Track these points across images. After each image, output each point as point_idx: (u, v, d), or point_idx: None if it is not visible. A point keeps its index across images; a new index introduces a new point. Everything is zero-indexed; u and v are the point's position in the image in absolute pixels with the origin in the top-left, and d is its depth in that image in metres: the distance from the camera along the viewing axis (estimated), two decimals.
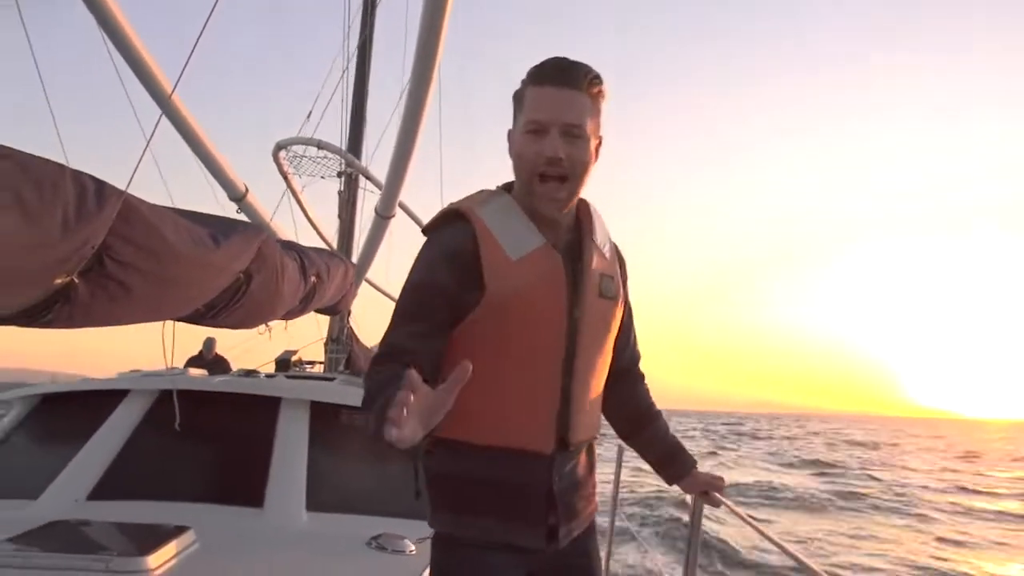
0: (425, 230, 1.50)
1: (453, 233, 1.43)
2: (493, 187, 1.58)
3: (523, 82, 1.47)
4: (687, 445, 1.91)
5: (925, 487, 23.29)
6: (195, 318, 2.27)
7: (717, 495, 1.87)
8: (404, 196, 4.82)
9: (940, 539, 14.30)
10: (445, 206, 1.51)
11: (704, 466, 1.91)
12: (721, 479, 1.91)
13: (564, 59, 1.44)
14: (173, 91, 2.91)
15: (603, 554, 2.70)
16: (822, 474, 25.37)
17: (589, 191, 1.57)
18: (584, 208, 1.57)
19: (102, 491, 2.86)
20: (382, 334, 1.47)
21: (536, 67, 1.44)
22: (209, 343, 8.52)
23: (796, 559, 1.44)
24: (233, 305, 2.25)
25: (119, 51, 2.89)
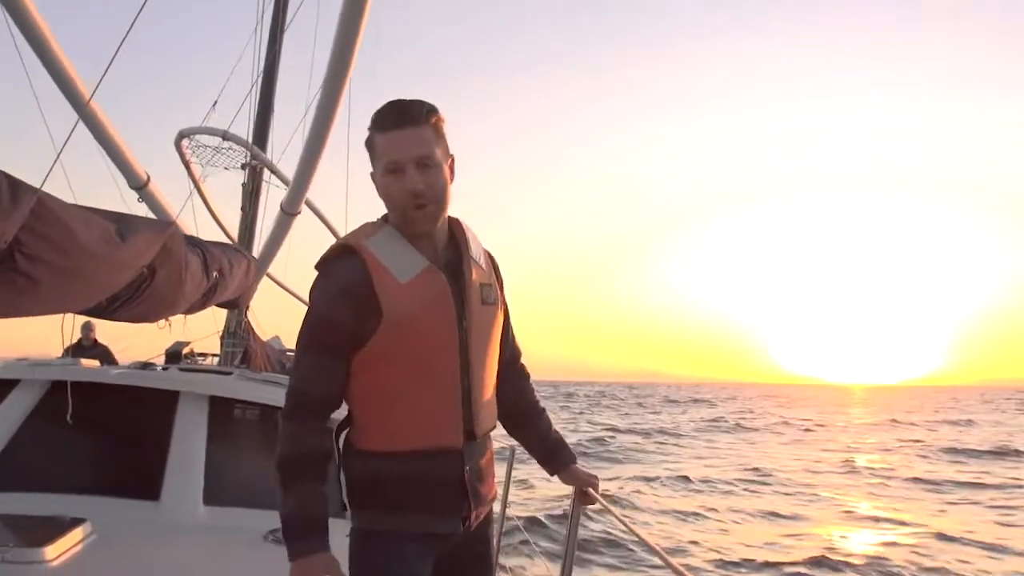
0: (318, 265, 1.67)
1: (346, 268, 1.60)
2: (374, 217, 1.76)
3: (369, 130, 1.65)
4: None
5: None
6: (96, 311, 2.31)
7: (592, 492, 2.06)
8: (312, 195, 4.86)
9: None
10: (338, 237, 1.68)
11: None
12: (596, 478, 2.10)
13: (400, 102, 1.63)
14: (91, 98, 2.89)
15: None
16: None
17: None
18: (457, 226, 1.78)
19: None
20: (280, 331, 1.67)
21: (377, 115, 1.63)
22: (87, 328, 8.15)
23: (661, 556, 1.58)
24: (135, 299, 2.31)
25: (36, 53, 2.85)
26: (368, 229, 1.69)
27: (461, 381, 1.66)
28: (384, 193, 1.66)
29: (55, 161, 1.87)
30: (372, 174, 1.69)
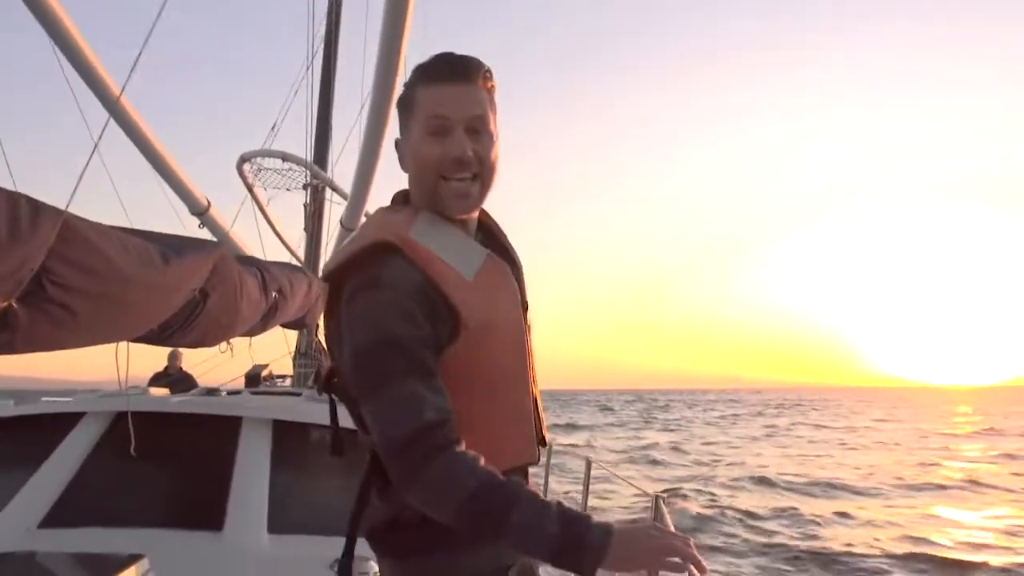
0: (352, 274, 1.26)
1: (398, 269, 1.23)
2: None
3: (409, 84, 1.33)
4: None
5: None
6: (150, 339, 2.19)
7: None
8: (371, 208, 4.74)
9: None
10: (368, 239, 1.28)
11: None
12: None
13: (453, 54, 1.31)
14: (122, 92, 2.81)
15: None
16: None
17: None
18: (483, 213, 1.44)
19: (55, 519, 2.77)
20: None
21: (425, 65, 1.31)
22: (173, 356, 8.31)
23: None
24: (189, 324, 2.18)
25: (68, 60, 2.81)
26: (399, 218, 1.31)
27: (530, 386, 1.39)
28: (416, 159, 1.31)
29: (87, 163, 1.73)
30: (398, 141, 1.37)
